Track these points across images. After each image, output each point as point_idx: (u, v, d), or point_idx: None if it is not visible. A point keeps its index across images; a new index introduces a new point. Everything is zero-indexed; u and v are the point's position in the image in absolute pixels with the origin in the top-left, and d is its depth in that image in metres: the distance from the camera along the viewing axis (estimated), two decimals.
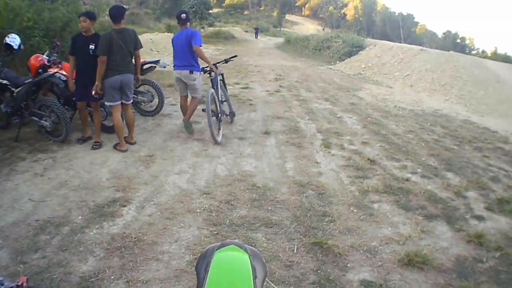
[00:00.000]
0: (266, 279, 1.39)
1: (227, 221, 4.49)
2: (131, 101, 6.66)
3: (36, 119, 6.56)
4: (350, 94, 13.14)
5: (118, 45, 6.24)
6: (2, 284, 0.87)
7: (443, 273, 3.78)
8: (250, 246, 1.39)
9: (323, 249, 4.01)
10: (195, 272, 3.45)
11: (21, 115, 6.50)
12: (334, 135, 8.06)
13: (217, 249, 1.36)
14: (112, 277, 3.46)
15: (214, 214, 4.65)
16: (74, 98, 6.88)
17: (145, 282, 3.42)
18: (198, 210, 4.72)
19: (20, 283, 0.90)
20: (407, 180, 5.96)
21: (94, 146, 6.68)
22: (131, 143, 6.86)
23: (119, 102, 6.52)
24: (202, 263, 1.35)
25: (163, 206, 4.78)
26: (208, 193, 5.17)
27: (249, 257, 1.30)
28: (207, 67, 7.58)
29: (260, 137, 7.75)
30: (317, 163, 6.48)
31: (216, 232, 4.26)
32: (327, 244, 4.05)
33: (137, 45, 6.47)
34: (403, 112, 11.06)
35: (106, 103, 6.59)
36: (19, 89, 6.08)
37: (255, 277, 1.27)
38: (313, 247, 4.04)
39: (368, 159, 6.72)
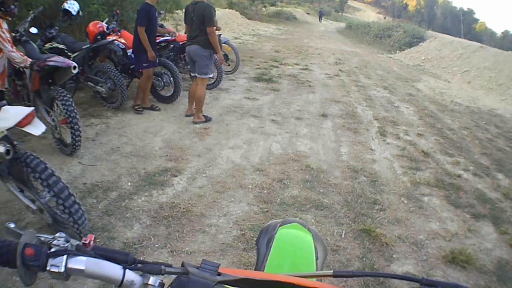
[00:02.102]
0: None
1: (278, 199, 4.40)
2: (198, 75, 6.50)
3: (92, 84, 6.49)
4: (408, 85, 12.74)
5: (190, 17, 6.14)
6: (68, 241, 0.82)
7: (484, 275, 3.61)
8: (311, 227, 1.30)
9: (370, 237, 3.90)
10: (241, 248, 3.35)
11: (76, 80, 6.40)
12: (390, 124, 7.83)
13: (280, 225, 1.28)
14: (157, 245, 3.42)
15: (265, 191, 4.57)
16: (132, 66, 6.87)
17: (189, 253, 3.37)
18: (249, 186, 4.64)
19: (87, 241, 0.83)
20: (458, 176, 5.73)
21: (138, 110, 6.72)
22: (187, 115, 6.84)
23: (194, 74, 6.47)
24: (264, 238, 1.30)
25: (214, 179, 4.72)
26: (261, 170, 5.09)
27: (312, 237, 1.25)
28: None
29: (317, 119, 7.59)
30: (372, 150, 6.30)
31: (266, 209, 4.18)
32: (375, 233, 3.94)
33: (204, 21, 6.07)
34: (459, 107, 10.65)
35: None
36: (76, 54, 6.04)
37: (317, 258, 1.20)
38: (361, 234, 3.93)
39: (422, 151, 6.49)
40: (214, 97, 8.20)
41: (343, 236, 3.87)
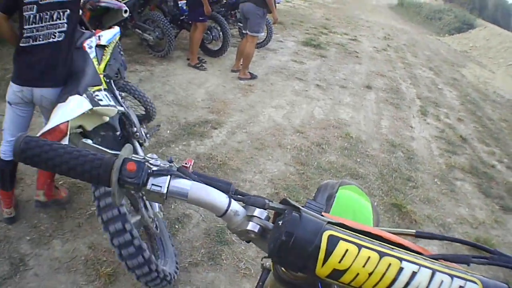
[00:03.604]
0: None
1: (315, 163, 4.33)
2: (249, 32, 6.31)
3: (140, 31, 6.33)
4: (454, 69, 12.29)
5: None
6: (171, 161, 0.75)
7: (504, 269, 3.52)
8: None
9: (401, 212, 3.84)
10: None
11: (124, 26, 6.15)
12: (432, 105, 7.58)
13: (340, 186, 1.23)
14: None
15: (303, 153, 4.51)
16: (182, 18, 6.74)
17: None
18: (288, 147, 4.58)
19: (188, 165, 0.77)
20: (492, 166, 5.56)
21: (198, 67, 6.57)
22: (233, 70, 6.73)
23: (245, 31, 6.31)
24: (323, 195, 1.22)
25: (254, 136, 4.66)
26: (302, 132, 5.01)
27: (371, 204, 1.19)
28: None
29: (361, 89, 7.41)
30: (412, 127, 6.14)
31: (302, 171, 4.12)
32: (406, 209, 3.87)
33: None
34: (501, 99, 10.26)
35: None
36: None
37: (373, 225, 1.15)
38: (392, 208, 3.87)
39: (461, 136, 6.30)
40: (261, 56, 8.03)
41: None
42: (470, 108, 8.18)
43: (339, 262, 0.59)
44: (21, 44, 2.49)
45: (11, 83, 2.54)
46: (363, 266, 0.58)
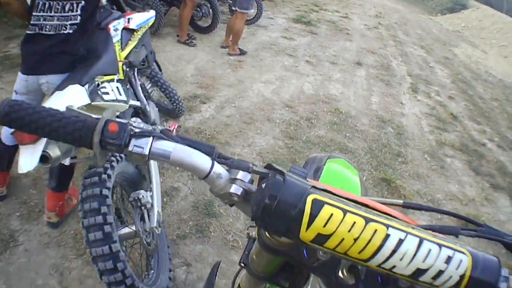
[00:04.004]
0: None
1: (304, 137, 4.31)
2: (239, 9, 6.20)
3: (129, 9, 6.16)
4: (446, 48, 12.24)
5: None
6: (154, 124, 0.70)
7: (494, 245, 3.49)
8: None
9: (390, 187, 3.82)
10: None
11: (112, 2, 6.03)
12: (423, 82, 7.53)
13: (327, 159, 1.20)
14: (177, 168, 3.31)
15: (292, 128, 4.48)
16: None
17: None
18: (277, 121, 4.55)
19: (171, 128, 0.73)
20: (483, 145, 5.54)
21: (187, 43, 6.46)
22: (223, 46, 6.65)
23: (235, 8, 6.24)
24: (310, 168, 1.22)
25: (243, 110, 4.62)
26: (291, 107, 4.97)
27: (359, 176, 1.18)
28: None
29: (351, 66, 7.34)
30: (402, 104, 6.10)
31: (291, 145, 4.10)
32: (395, 184, 3.86)
33: None
34: (493, 79, 10.23)
35: None
36: None
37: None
38: (381, 183, 3.86)
39: (451, 113, 6.27)
40: (251, 33, 7.93)
41: None
42: (461, 87, 8.14)
43: (324, 226, 0.57)
44: (27, 31, 2.34)
45: (18, 72, 2.42)
46: (349, 231, 0.56)
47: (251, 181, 0.73)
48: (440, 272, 0.54)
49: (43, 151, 1.63)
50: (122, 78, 2.45)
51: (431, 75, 8.38)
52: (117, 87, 2.30)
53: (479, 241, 3.14)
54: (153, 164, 2.43)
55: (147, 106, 2.80)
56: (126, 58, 2.61)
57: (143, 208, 2.19)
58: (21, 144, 1.76)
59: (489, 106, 7.50)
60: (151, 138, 0.71)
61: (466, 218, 0.76)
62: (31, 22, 2.30)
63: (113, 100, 2.21)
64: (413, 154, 4.60)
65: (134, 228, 2.13)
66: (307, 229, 0.57)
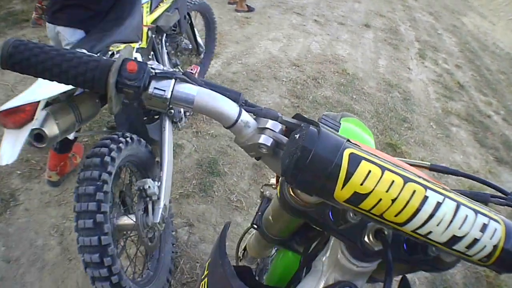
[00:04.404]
0: None
1: (310, 97, 4.23)
2: None
3: None
4: (454, 17, 12.05)
5: None
6: (176, 65, 0.60)
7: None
8: None
9: (395, 152, 3.78)
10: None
11: None
12: (431, 49, 7.38)
13: (342, 117, 1.12)
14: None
15: (299, 87, 4.40)
16: None
17: (214, 136, 3.30)
18: (284, 79, 4.47)
19: (194, 71, 0.63)
20: (489, 116, 5.46)
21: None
22: (230, 3, 6.47)
23: None
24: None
25: (249, 67, 4.52)
26: (298, 66, 4.88)
27: (372, 137, 1.12)
28: None
29: (360, 28, 7.19)
30: (409, 69, 5.99)
31: (297, 104, 4.04)
32: (400, 149, 3.81)
33: None
34: (500, 51, 10.10)
35: None
36: None
37: None
38: (386, 148, 3.81)
39: (458, 82, 6.15)
40: None
41: None
42: (468, 56, 8.01)
43: (361, 184, 0.52)
44: None
45: None
46: (387, 191, 0.51)
47: (282, 132, 0.67)
48: (475, 241, 0.51)
49: (37, 128, 1.31)
50: (145, 46, 2.25)
51: (439, 42, 8.23)
52: (135, 58, 2.02)
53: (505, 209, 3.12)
54: (167, 149, 2.12)
55: None
56: (154, 22, 2.39)
57: (147, 199, 1.94)
58: (5, 127, 1.42)
59: (495, 78, 7.40)
60: (173, 80, 0.65)
61: (495, 185, 0.76)
62: None
63: None
64: (419, 121, 4.53)
65: (134, 220, 1.91)
66: (343, 186, 0.52)
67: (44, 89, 1.42)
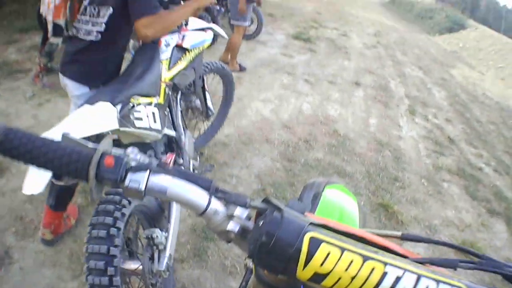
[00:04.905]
0: None
1: (302, 160, 4.34)
2: (233, 21, 6.27)
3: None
4: (443, 69, 12.36)
5: None
6: (150, 156, 0.72)
7: (490, 273, 3.54)
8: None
9: (387, 212, 3.86)
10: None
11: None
12: (421, 104, 7.61)
13: (326, 184, 1.19)
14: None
15: (290, 149, 4.51)
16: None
17: None
18: (275, 142, 4.58)
19: (168, 160, 0.74)
20: (480, 169, 5.61)
21: None
22: (222, 61, 6.63)
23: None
24: (309, 194, 1.18)
25: (241, 130, 4.63)
26: (289, 128, 5.01)
27: (357, 203, 1.17)
28: None
29: (350, 86, 7.41)
30: (400, 126, 6.16)
31: (289, 168, 4.13)
32: (392, 209, 3.90)
33: None
34: (489, 101, 10.35)
35: None
36: None
37: (359, 225, 1.14)
38: (379, 208, 3.90)
39: (448, 137, 6.35)
40: (250, 48, 7.97)
41: None
42: (458, 109, 8.24)
43: (321, 265, 0.57)
44: (69, 33, 2.38)
45: None
46: (346, 270, 0.57)
47: (249, 217, 0.71)
48: None
49: None
50: (162, 102, 2.29)
51: (429, 96, 8.47)
52: (153, 113, 2.16)
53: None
54: (175, 204, 2.22)
55: (182, 137, 2.65)
56: (171, 79, 2.45)
57: (154, 247, 2.02)
58: None
59: (485, 130, 7.59)
60: (147, 172, 0.69)
61: (466, 249, 0.76)
62: (73, 23, 2.31)
63: (145, 128, 2.06)
64: (410, 179, 4.64)
65: (139, 266, 1.97)
66: (304, 268, 0.58)
67: (74, 127, 1.69)
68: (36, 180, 1.60)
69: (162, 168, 0.71)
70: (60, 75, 2.36)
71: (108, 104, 1.87)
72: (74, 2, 4.67)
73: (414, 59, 12.23)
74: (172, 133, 2.49)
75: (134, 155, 0.72)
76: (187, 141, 2.71)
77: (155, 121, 2.14)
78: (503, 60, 17.18)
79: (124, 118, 1.92)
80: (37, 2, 4.62)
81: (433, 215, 4.12)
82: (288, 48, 8.86)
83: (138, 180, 0.68)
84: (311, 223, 0.62)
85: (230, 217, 0.70)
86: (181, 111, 2.81)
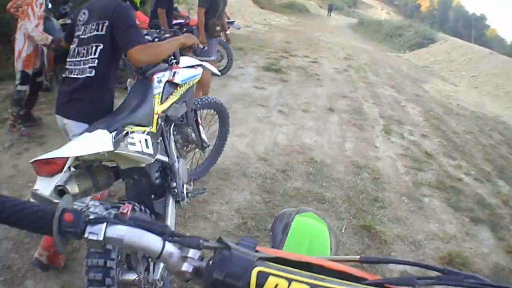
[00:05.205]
0: None
1: (281, 190, 4.39)
2: (200, 58, 6.43)
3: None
4: (416, 85, 12.66)
5: None
6: (107, 209, 0.82)
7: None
8: (325, 218, 1.31)
9: (370, 233, 3.91)
10: (242, 235, 3.32)
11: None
12: (396, 123, 7.78)
13: (296, 213, 1.27)
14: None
15: (268, 181, 4.56)
16: None
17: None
18: (253, 175, 4.63)
19: (125, 211, 0.81)
20: (460, 180, 5.71)
21: None
22: None
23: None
24: (279, 224, 1.27)
25: (218, 166, 4.66)
26: (266, 160, 5.07)
27: (327, 228, 1.24)
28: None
29: (324, 112, 7.55)
30: (376, 147, 6.28)
31: (268, 199, 4.18)
32: (375, 230, 3.95)
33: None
34: (464, 112, 10.58)
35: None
36: None
37: (331, 249, 1.19)
38: (361, 230, 3.95)
39: (426, 152, 6.47)
40: (223, 84, 8.12)
41: (343, 231, 3.88)
42: (434, 123, 8.42)
43: None
44: (63, 75, 2.64)
45: None
46: None
47: (201, 258, 0.77)
48: None
49: (61, 185, 1.79)
50: (154, 131, 2.47)
51: (403, 114, 8.66)
52: (146, 140, 2.32)
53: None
54: (169, 222, 2.57)
55: (175, 163, 2.80)
56: (164, 111, 2.65)
57: (150, 259, 2.23)
58: (38, 175, 1.84)
59: (463, 140, 7.75)
60: (104, 224, 0.75)
61: (426, 265, 0.78)
62: (66, 66, 2.61)
63: (138, 152, 2.22)
64: (390, 198, 4.71)
65: (136, 276, 2.13)
66: None
67: (73, 149, 1.91)
68: (42, 188, 1.79)
69: (118, 219, 0.78)
70: (58, 117, 2.59)
71: (105, 131, 2.06)
72: (50, 53, 4.79)
73: (386, 79, 12.49)
74: (165, 159, 2.65)
75: (93, 207, 0.81)
76: (181, 167, 2.85)
77: (147, 147, 2.30)
78: (475, 69, 17.53)
79: (118, 142, 2.07)
80: (12, 51, 4.75)
81: (416, 230, 4.18)
82: (260, 80, 9.04)
83: (96, 232, 0.74)
84: (259, 258, 0.68)
85: (184, 258, 0.76)
86: (175, 141, 3.02)
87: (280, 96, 8.10)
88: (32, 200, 0.83)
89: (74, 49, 2.57)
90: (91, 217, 0.77)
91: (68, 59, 2.60)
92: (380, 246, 3.75)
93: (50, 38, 4.35)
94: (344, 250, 3.57)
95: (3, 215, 0.75)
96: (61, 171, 1.82)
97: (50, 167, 1.81)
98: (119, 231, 0.76)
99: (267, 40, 15.42)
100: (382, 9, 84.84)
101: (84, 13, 2.59)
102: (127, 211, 0.83)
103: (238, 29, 9.62)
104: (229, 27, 7.61)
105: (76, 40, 2.59)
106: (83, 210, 0.79)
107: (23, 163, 4.16)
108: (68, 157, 1.84)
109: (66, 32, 2.95)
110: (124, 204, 1.61)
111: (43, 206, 0.77)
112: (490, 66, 17.16)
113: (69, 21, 5.17)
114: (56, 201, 0.76)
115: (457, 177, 5.79)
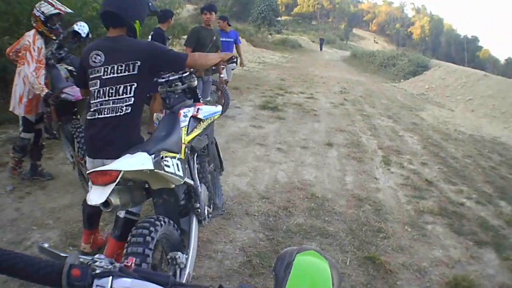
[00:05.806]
0: None
1: (284, 227, 4.50)
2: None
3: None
4: (413, 114, 12.89)
5: None
6: (112, 263, 0.88)
7: None
8: (327, 255, 1.41)
9: (375, 264, 3.98)
10: (247, 274, 3.49)
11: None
12: (395, 153, 7.94)
13: (297, 252, 1.33)
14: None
15: (271, 219, 4.67)
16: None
17: (196, 278, 3.41)
18: (255, 214, 4.74)
19: (129, 263, 0.93)
20: (461, 204, 5.82)
21: None
22: None
23: None
24: (282, 264, 1.30)
25: None
26: (267, 198, 5.19)
27: (329, 265, 1.29)
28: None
29: (322, 147, 7.72)
30: (376, 179, 6.40)
31: (272, 237, 4.28)
32: (379, 260, 4.03)
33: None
34: (462, 136, 10.75)
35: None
36: None
37: (333, 285, 1.29)
38: (366, 262, 4.02)
39: (426, 180, 6.59)
40: (220, 125, 8.28)
41: (347, 263, 3.96)
42: (432, 151, 8.57)
43: None
44: (87, 117, 2.83)
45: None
46: None
47: None
48: None
49: (106, 197, 2.08)
50: (183, 158, 2.78)
51: (402, 144, 8.82)
52: (177, 164, 2.61)
53: None
54: (193, 237, 2.93)
55: (199, 188, 3.16)
56: (189, 142, 2.99)
57: (176, 266, 2.54)
58: (94, 184, 2.12)
59: (462, 164, 7.88)
60: (110, 277, 0.81)
61: None
62: (91, 109, 2.81)
63: (171, 173, 2.50)
64: (393, 228, 4.80)
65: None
66: None
67: (122, 165, 2.17)
68: (96, 197, 2.10)
69: (123, 272, 0.84)
70: (95, 160, 2.87)
71: (145, 153, 2.35)
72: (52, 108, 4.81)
73: (382, 110, 12.69)
74: (190, 182, 2.97)
75: (99, 262, 0.88)
76: (203, 191, 3.25)
77: (178, 170, 2.60)
78: (470, 92, 17.74)
79: (156, 163, 2.37)
80: (9, 96, 4.81)
81: (421, 258, 4.25)
82: (257, 119, 9.25)
83: (103, 285, 0.80)
84: None
85: None
86: (198, 168, 3.38)
87: (278, 134, 8.27)
88: (39, 253, 0.94)
89: (98, 90, 2.76)
90: (98, 271, 0.84)
91: (92, 101, 2.80)
92: (386, 276, 3.83)
93: (46, 91, 4.27)
94: (350, 282, 3.66)
95: (14, 270, 0.82)
96: (115, 181, 2.09)
97: (106, 178, 2.09)
98: (125, 283, 0.82)
99: (262, 78, 15.69)
100: (375, 41, 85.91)
101: (98, 55, 2.79)
102: (131, 263, 0.94)
103: (233, 69, 9.86)
104: (223, 68, 7.84)
105: (97, 81, 2.77)
106: (89, 263, 0.86)
107: (26, 207, 4.31)
108: (121, 170, 2.12)
109: (78, 81, 3.31)
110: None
111: (51, 262, 0.84)
112: (485, 88, 17.36)
113: (65, 66, 5.19)
114: (63, 254, 0.86)
115: (458, 202, 5.89)
